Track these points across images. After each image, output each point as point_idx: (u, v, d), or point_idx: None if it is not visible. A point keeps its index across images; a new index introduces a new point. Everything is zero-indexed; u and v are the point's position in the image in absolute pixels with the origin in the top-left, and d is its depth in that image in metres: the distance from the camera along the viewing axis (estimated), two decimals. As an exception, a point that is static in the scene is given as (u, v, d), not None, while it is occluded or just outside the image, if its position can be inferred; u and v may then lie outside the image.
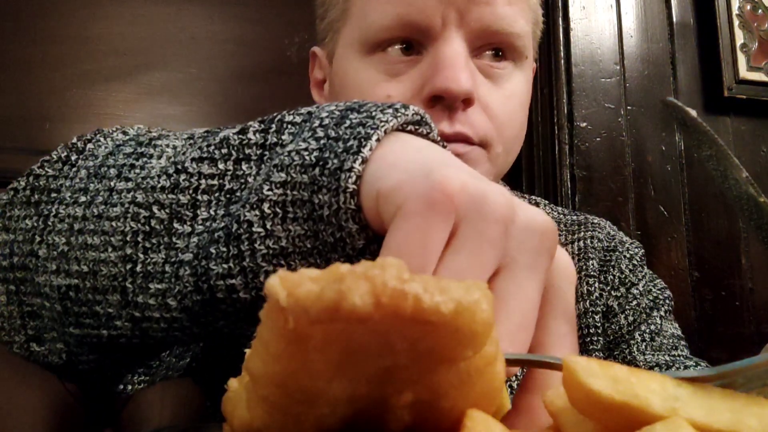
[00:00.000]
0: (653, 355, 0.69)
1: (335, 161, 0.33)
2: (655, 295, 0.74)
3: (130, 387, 0.50)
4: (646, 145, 1.47)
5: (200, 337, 0.42)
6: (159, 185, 0.38)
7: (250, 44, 1.40)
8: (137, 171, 0.40)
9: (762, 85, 1.51)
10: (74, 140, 0.46)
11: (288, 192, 0.34)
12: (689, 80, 1.52)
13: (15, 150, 1.29)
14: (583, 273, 0.72)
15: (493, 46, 0.62)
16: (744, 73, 1.49)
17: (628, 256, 0.75)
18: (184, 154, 0.40)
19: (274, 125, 0.38)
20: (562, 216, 0.79)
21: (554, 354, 0.30)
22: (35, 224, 0.42)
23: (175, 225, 0.37)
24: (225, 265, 0.35)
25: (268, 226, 0.34)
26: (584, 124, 1.43)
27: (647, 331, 0.71)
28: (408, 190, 0.29)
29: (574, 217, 0.79)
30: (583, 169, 1.41)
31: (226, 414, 0.29)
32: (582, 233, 0.76)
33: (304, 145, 0.35)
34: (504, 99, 0.63)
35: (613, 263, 0.74)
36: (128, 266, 0.38)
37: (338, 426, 0.25)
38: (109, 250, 0.38)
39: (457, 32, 0.59)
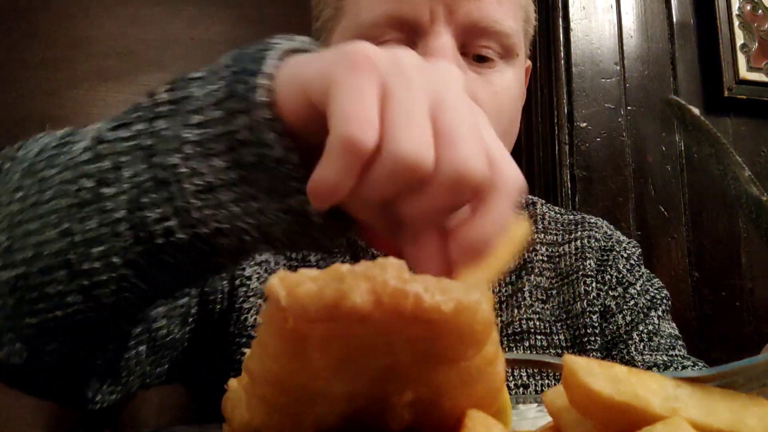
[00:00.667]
0: (651, 355, 0.69)
1: (242, 86, 0.36)
2: (652, 294, 0.74)
3: (99, 396, 0.50)
4: (646, 146, 1.47)
5: (150, 297, 0.44)
6: (82, 159, 0.41)
7: (246, 44, 1.40)
8: (62, 157, 0.43)
9: (762, 86, 1.51)
10: (6, 149, 0.48)
11: (205, 130, 0.37)
12: (689, 80, 1.52)
13: (15, 150, 1.29)
14: (580, 273, 0.72)
15: (483, 43, 0.62)
16: (744, 73, 1.49)
17: (625, 255, 0.75)
18: (101, 129, 0.43)
19: (180, 83, 0.41)
20: (558, 216, 0.79)
21: None
22: None
23: (103, 190, 0.39)
24: (158, 210, 0.38)
25: (193, 165, 0.37)
26: (584, 125, 1.43)
27: (645, 331, 0.71)
28: (332, 68, 0.33)
29: (571, 217, 0.78)
30: (583, 170, 1.41)
31: (225, 414, 0.29)
32: (579, 233, 0.75)
33: (212, 87, 0.38)
34: (492, 95, 0.62)
35: (610, 263, 0.74)
36: (68, 239, 0.40)
37: (338, 425, 0.25)
38: (48, 230, 0.40)
39: (446, 28, 0.60)
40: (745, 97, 1.49)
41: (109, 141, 0.41)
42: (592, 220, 0.78)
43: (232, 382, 0.30)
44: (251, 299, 0.65)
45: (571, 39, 1.46)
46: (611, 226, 0.79)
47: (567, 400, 0.24)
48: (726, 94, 1.48)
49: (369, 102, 0.31)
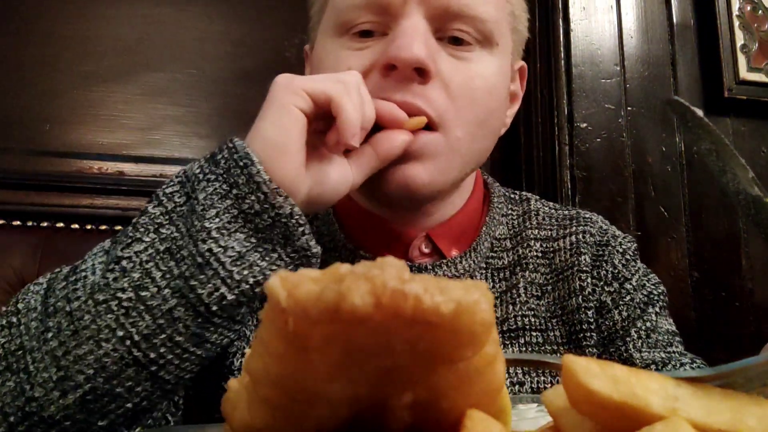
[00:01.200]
0: (649, 352, 0.69)
1: (242, 177, 0.50)
2: (649, 290, 0.73)
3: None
4: (646, 146, 1.47)
5: (204, 360, 0.53)
6: (107, 280, 0.49)
7: (249, 45, 1.40)
8: (80, 290, 0.50)
9: (762, 86, 1.51)
10: (3, 309, 0.54)
11: (223, 216, 0.49)
12: (689, 81, 1.52)
13: (15, 151, 1.30)
14: (575, 268, 0.71)
15: (457, 29, 0.62)
16: (744, 73, 1.49)
17: (620, 250, 0.74)
18: (110, 254, 0.52)
19: (185, 187, 0.53)
20: (553, 211, 0.78)
21: None
22: (16, 381, 0.48)
23: (143, 293, 0.48)
24: (210, 285, 0.48)
25: (222, 244, 0.49)
26: (584, 125, 1.43)
27: (642, 328, 0.70)
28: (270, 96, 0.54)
29: (566, 212, 0.78)
30: (583, 170, 1.41)
31: (225, 415, 0.29)
32: (574, 228, 0.74)
33: (213, 186, 0.50)
34: (467, 79, 0.62)
35: (605, 258, 0.73)
36: (127, 342, 0.48)
37: (338, 426, 0.25)
38: (103, 344, 0.47)
39: (418, 9, 0.60)
40: (745, 97, 1.49)
41: (127, 258, 0.50)
42: (587, 215, 0.77)
43: (233, 382, 0.30)
44: (235, 343, 0.67)
45: (571, 40, 1.46)
46: (606, 221, 0.78)
47: (566, 400, 0.24)
48: (726, 94, 1.48)
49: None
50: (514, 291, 0.70)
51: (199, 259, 0.48)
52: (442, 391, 0.23)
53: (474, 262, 0.70)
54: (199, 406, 0.66)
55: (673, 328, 0.73)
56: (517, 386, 0.66)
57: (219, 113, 1.36)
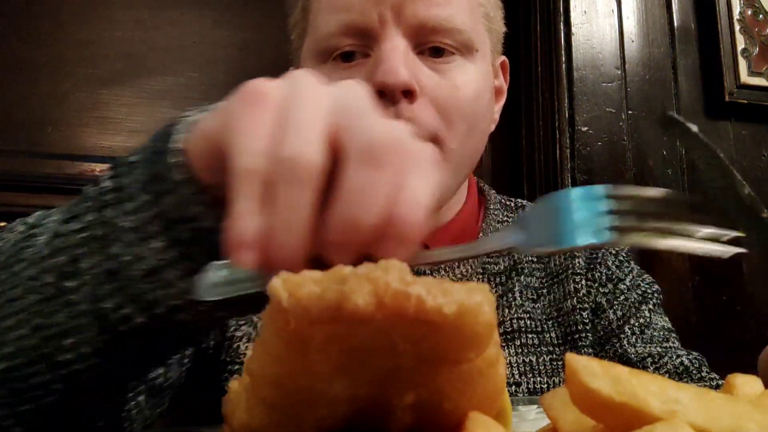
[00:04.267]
0: (644, 347, 0.70)
1: (161, 166, 0.38)
2: (643, 289, 0.75)
3: None
4: (647, 149, 1.47)
5: (133, 373, 0.46)
6: (43, 254, 0.42)
7: (251, 49, 1.40)
8: (28, 250, 0.44)
9: (763, 90, 1.51)
10: None
11: (138, 215, 0.39)
12: (690, 85, 1.52)
13: (17, 153, 1.30)
14: (569, 271, 0.73)
15: (436, 41, 0.63)
16: (745, 78, 1.49)
17: (614, 252, 0.76)
18: (58, 220, 0.44)
19: (119, 168, 0.41)
20: None
21: None
22: None
23: (65, 284, 0.40)
24: (114, 300, 0.39)
25: (134, 251, 0.38)
26: (585, 129, 1.43)
27: (637, 324, 0.71)
28: (225, 113, 0.34)
29: None
30: (585, 173, 1.41)
31: (225, 415, 0.29)
32: None
33: (137, 172, 0.39)
34: (452, 89, 0.63)
35: (599, 260, 0.74)
36: (40, 334, 0.41)
37: (338, 427, 0.25)
38: (23, 326, 0.41)
39: (396, 29, 0.61)
40: (746, 101, 1.49)
41: (64, 234, 0.41)
42: None
43: (233, 383, 0.30)
44: (243, 328, 0.66)
45: (573, 43, 1.46)
46: None
47: (565, 403, 0.24)
48: (727, 98, 1.48)
49: (260, 131, 0.31)
50: (510, 295, 0.71)
51: (110, 264, 0.39)
52: (444, 393, 0.23)
53: (471, 267, 0.72)
54: (197, 401, 0.67)
55: (669, 325, 0.74)
56: (513, 387, 0.67)
57: (221, 116, 1.37)
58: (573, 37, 1.46)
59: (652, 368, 0.68)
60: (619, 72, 1.47)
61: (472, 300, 0.21)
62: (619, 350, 0.70)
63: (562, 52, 1.46)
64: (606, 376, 0.21)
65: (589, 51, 1.47)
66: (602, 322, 0.71)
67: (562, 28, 1.47)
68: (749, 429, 0.22)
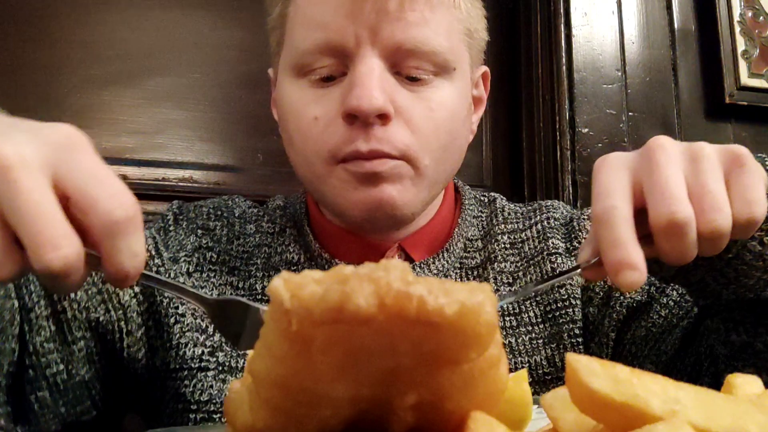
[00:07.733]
0: (632, 299, 0.69)
1: None
2: None
3: None
4: (648, 151, 1.47)
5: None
6: None
7: (253, 50, 1.41)
8: None
9: (763, 92, 1.51)
10: None
11: None
12: (690, 87, 1.52)
13: (18, 154, 1.29)
14: (545, 253, 0.73)
15: (412, 64, 0.63)
16: (745, 79, 1.49)
17: (587, 227, 0.76)
18: None
19: None
20: (518, 207, 0.81)
21: None
22: None
23: None
24: None
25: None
26: (586, 130, 1.43)
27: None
28: None
29: (530, 206, 0.80)
30: (585, 175, 1.41)
31: (227, 415, 0.29)
32: (538, 217, 0.77)
33: None
34: (428, 111, 0.63)
35: (575, 232, 0.74)
36: None
37: (341, 428, 0.25)
38: None
39: (372, 50, 0.61)
40: (746, 103, 1.49)
41: None
42: (549, 203, 0.80)
43: (235, 384, 0.30)
44: (187, 334, 0.67)
45: (573, 45, 1.46)
46: (567, 206, 0.81)
47: (565, 403, 0.24)
48: (727, 100, 1.48)
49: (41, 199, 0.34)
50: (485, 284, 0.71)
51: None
52: (446, 393, 0.23)
53: (447, 262, 0.72)
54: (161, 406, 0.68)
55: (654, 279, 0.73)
56: None
57: (223, 117, 1.37)
58: (573, 39, 1.46)
59: (642, 319, 0.68)
60: (620, 74, 1.47)
61: (474, 300, 0.21)
62: (603, 310, 0.70)
63: (563, 54, 1.46)
64: (606, 376, 0.21)
65: (589, 53, 1.47)
66: (588, 293, 0.71)
67: (562, 29, 1.47)
68: (749, 429, 0.22)
